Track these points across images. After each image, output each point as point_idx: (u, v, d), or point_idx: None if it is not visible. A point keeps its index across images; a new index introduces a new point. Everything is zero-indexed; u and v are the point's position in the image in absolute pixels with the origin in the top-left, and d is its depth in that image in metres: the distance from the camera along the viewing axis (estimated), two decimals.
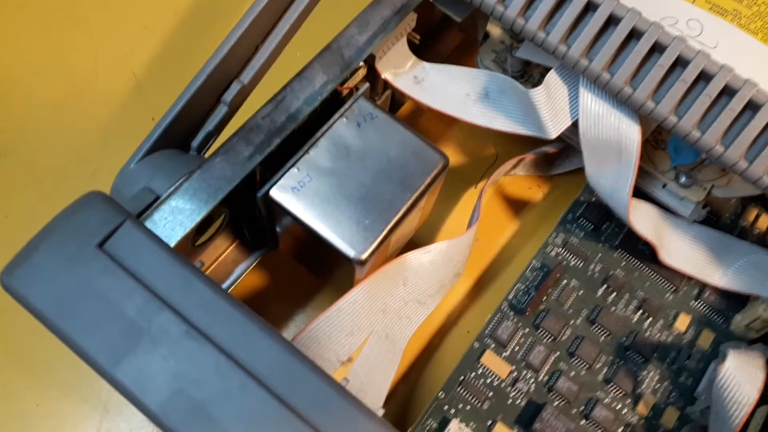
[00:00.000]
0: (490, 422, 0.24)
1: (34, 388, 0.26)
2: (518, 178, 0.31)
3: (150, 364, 0.17)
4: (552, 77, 0.23)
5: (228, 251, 0.26)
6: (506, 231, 0.29)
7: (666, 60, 0.21)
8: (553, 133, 0.23)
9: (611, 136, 0.23)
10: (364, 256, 0.21)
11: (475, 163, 0.31)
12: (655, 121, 0.22)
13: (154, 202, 0.21)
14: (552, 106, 0.23)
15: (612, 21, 0.22)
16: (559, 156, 0.30)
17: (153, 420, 0.16)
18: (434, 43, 0.29)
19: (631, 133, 0.23)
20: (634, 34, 0.22)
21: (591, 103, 0.23)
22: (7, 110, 0.32)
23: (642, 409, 0.24)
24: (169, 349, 0.17)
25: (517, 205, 0.30)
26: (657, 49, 0.21)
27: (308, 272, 0.28)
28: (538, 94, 0.23)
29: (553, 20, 0.22)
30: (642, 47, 0.21)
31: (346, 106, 0.23)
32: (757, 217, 0.28)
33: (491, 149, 0.31)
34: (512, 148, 0.31)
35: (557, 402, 0.24)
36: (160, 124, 0.23)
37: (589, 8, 0.22)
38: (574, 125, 0.24)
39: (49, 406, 0.26)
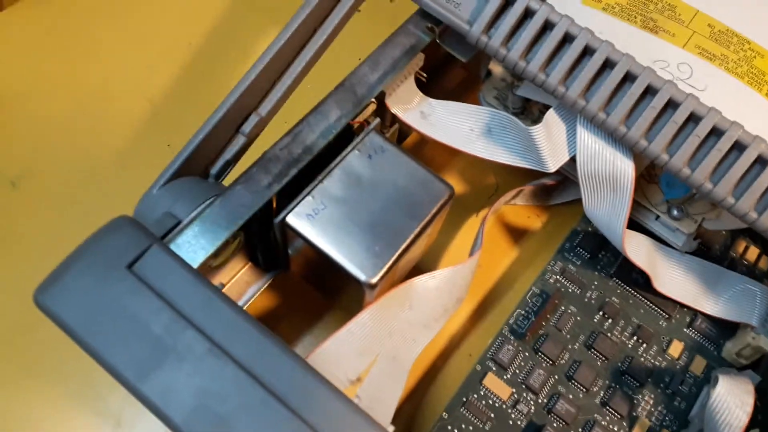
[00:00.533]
0: None
1: (47, 399, 0.27)
2: (518, 207, 0.32)
3: (175, 380, 0.18)
4: (551, 115, 0.25)
5: (241, 272, 0.27)
6: (506, 258, 0.31)
7: (658, 102, 0.23)
8: (552, 167, 0.25)
9: (607, 171, 0.24)
10: (374, 280, 0.22)
11: (476, 192, 0.32)
12: (648, 159, 0.23)
13: (175, 226, 0.22)
14: (551, 142, 0.25)
15: (607, 65, 0.23)
16: (557, 187, 0.31)
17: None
18: (439, 79, 0.31)
19: (626, 168, 0.24)
20: (628, 78, 0.23)
21: (588, 140, 0.24)
22: (22, 135, 0.33)
23: (638, 431, 0.25)
24: (193, 365, 0.18)
25: (517, 233, 0.31)
26: (649, 91, 0.23)
27: (317, 293, 0.29)
28: (537, 131, 0.24)
29: (552, 63, 0.24)
30: (635, 90, 0.23)
31: (358, 139, 0.24)
32: (745, 249, 0.29)
33: (492, 179, 0.33)
34: (512, 178, 0.32)
35: (556, 423, 0.25)
36: (181, 153, 0.24)
37: (586, 53, 0.24)
38: (572, 160, 0.25)
39: (60, 419, 0.27)
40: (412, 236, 0.23)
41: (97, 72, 0.35)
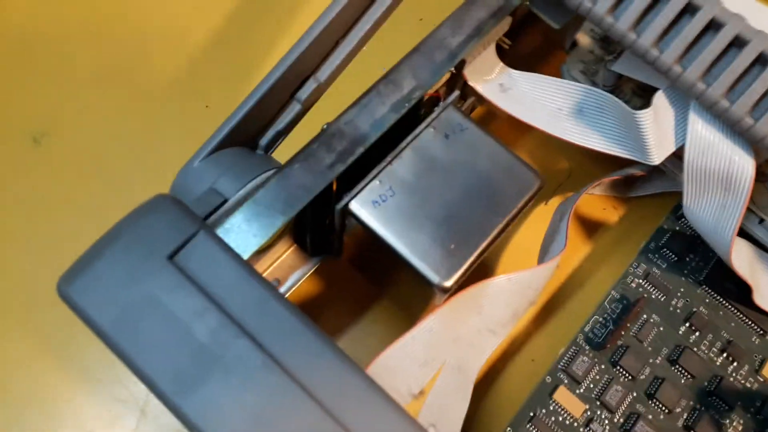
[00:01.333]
0: None
1: (66, 383, 0.25)
2: (592, 197, 0.29)
3: (222, 397, 0.15)
4: (660, 99, 0.21)
5: (285, 255, 0.24)
6: (577, 254, 0.28)
7: None
8: (657, 159, 0.21)
9: (721, 168, 0.21)
10: (449, 284, 0.19)
11: (546, 177, 0.29)
12: None
13: (221, 206, 0.19)
14: (658, 129, 0.21)
15: (736, 43, 0.20)
16: (640, 178, 0.28)
17: None
18: (515, 46, 0.27)
19: (745, 165, 0.21)
20: (760, 59, 0.20)
21: (702, 131, 0.21)
22: (48, 88, 0.30)
23: None
24: (243, 381, 0.15)
25: (589, 227, 0.28)
26: None
27: (365, 280, 0.26)
28: (645, 116, 0.21)
29: (667, 37, 0.20)
30: None
31: (433, 115, 0.21)
32: None
33: (564, 163, 0.29)
34: (587, 163, 0.29)
35: None
36: (229, 120, 0.21)
37: (710, 26, 0.20)
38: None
39: (81, 404, 0.25)
40: (494, 234, 0.20)
41: (133, 19, 0.32)
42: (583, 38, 0.26)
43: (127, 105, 0.30)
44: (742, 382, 0.24)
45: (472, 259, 0.19)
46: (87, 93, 0.30)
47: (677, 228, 0.26)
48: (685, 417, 0.23)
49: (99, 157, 0.29)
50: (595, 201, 0.29)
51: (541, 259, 0.24)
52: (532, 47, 0.28)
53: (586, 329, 0.24)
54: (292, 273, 0.25)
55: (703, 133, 0.21)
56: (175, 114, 0.30)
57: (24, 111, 0.30)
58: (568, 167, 0.29)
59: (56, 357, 0.25)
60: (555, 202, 0.28)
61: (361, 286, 0.26)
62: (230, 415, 0.15)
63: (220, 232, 0.18)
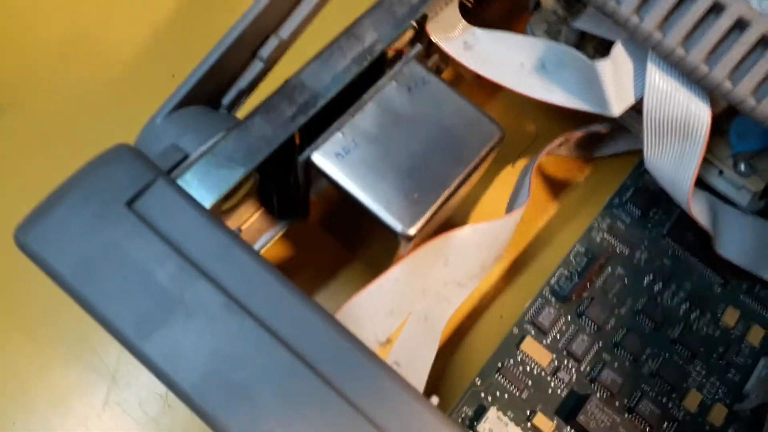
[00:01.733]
0: (529, 412, 0.22)
1: (38, 353, 0.25)
2: (557, 158, 0.29)
3: (184, 340, 0.15)
4: (618, 50, 0.21)
5: (253, 219, 0.24)
6: (544, 213, 0.28)
7: (749, 37, 0.19)
8: (617, 110, 0.22)
9: (678, 117, 0.21)
10: (412, 232, 0.19)
11: (512, 140, 0.29)
12: (731, 103, 0.20)
13: (182, 161, 0.19)
14: (617, 81, 0.22)
15: None
16: (604, 138, 0.28)
17: (186, 401, 0.15)
18: (480, 8, 0.27)
19: (701, 114, 0.21)
20: (715, 8, 0.20)
21: (659, 81, 0.21)
22: (12, 58, 0.30)
23: (689, 404, 0.23)
24: (205, 322, 0.15)
25: (556, 187, 0.28)
26: (740, 24, 0.20)
27: (337, 244, 0.26)
28: (604, 66, 0.21)
29: None
30: (723, 23, 0.20)
31: (395, 68, 0.21)
32: None
33: (530, 126, 0.29)
34: (552, 126, 0.29)
35: (600, 393, 0.23)
36: (190, 78, 0.21)
37: None
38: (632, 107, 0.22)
39: (52, 373, 0.24)
40: (456, 183, 0.20)
41: None
42: None
43: (91, 76, 0.30)
44: (705, 329, 0.24)
45: (435, 207, 0.19)
46: (50, 64, 0.30)
47: (640, 184, 0.26)
48: (649, 363, 0.24)
49: (64, 128, 0.29)
50: (561, 162, 0.29)
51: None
52: (496, 9, 0.28)
53: (552, 282, 0.24)
54: (259, 236, 0.25)
55: (660, 83, 0.21)
56: (140, 83, 0.30)
57: None
58: (534, 130, 0.29)
59: (26, 328, 0.25)
60: (521, 164, 0.29)
61: (331, 248, 0.27)
62: (193, 357, 0.15)
63: (180, 183, 0.18)
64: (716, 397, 0.23)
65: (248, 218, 0.25)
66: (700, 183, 0.25)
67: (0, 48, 0.30)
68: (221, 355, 0.15)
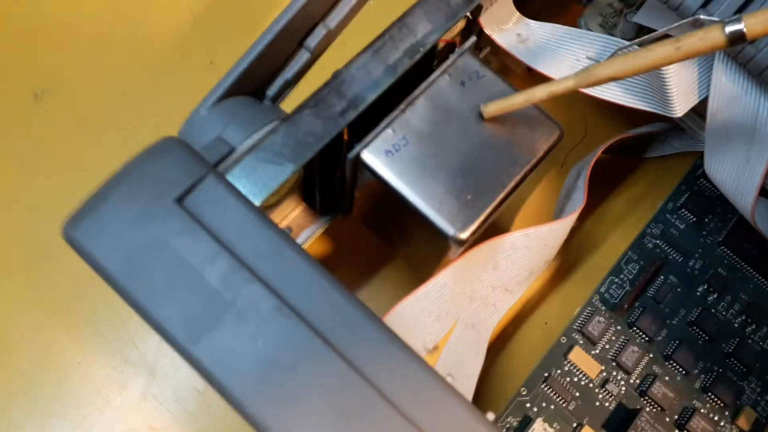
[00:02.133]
0: (575, 424, 0.22)
1: (76, 345, 0.24)
2: (608, 159, 0.28)
3: (235, 344, 0.14)
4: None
5: (294, 214, 0.24)
6: (592, 216, 0.27)
7: None
8: (680, 110, 0.21)
9: (745, 120, 0.20)
10: (464, 236, 0.18)
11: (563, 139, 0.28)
12: None
13: (228, 155, 0.19)
14: (681, 81, 0.20)
15: None
16: (657, 138, 0.27)
17: (236, 407, 0.14)
18: (533, 0, 0.26)
19: None
20: None
21: (726, 81, 0.20)
22: (49, 44, 0.29)
23: (742, 422, 0.22)
24: (257, 327, 0.15)
25: (605, 189, 0.27)
26: None
27: (379, 242, 0.25)
28: (669, 66, 0.20)
29: None
30: None
31: (449, 61, 0.20)
32: None
33: (580, 125, 0.28)
34: (603, 124, 0.28)
35: (650, 408, 0.22)
36: (235, 68, 0.20)
37: None
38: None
39: (90, 366, 0.24)
40: (512, 184, 0.19)
41: None
42: None
43: (129, 61, 0.29)
44: (761, 344, 0.23)
45: (488, 210, 0.19)
46: (89, 49, 0.29)
47: (695, 188, 0.25)
48: (702, 378, 0.23)
49: (101, 114, 0.28)
50: (612, 163, 0.28)
51: (557, 218, 0.24)
52: (549, 1, 0.27)
53: (602, 290, 0.24)
54: (301, 232, 0.24)
55: (727, 84, 0.20)
56: (178, 70, 0.29)
57: (24, 67, 0.29)
58: (584, 129, 0.28)
59: (65, 319, 0.25)
60: (570, 164, 0.28)
61: (373, 245, 0.26)
62: (244, 361, 0.14)
63: (229, 178, 0.17)
64: None
65: (290, 213, 0.24)
66: (762, 190, 0.24)
67: (37, 33, 0.29)
68: (273, 361, 0.14)
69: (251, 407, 0.14)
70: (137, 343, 0.24)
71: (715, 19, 0.19)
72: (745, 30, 0.15)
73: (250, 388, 0.14)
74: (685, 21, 0.19)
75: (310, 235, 0.24)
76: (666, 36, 0.22)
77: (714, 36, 0.15)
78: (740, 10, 0.19)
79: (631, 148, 0.27)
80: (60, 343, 0.24)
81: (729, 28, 0.15)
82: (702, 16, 0.19)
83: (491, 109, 0.19)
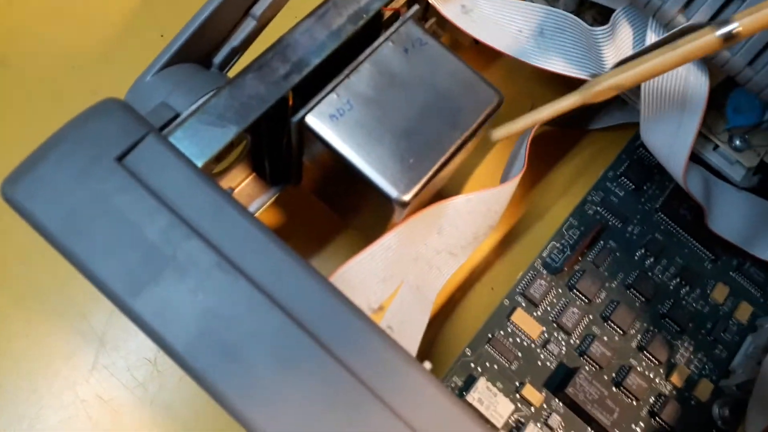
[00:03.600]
0: (518, 383, 0.22)
1: (24, 318, 0.24)
2: (553, 130, 0.29)
3: (175, 297, 0.15)
4: (619, 17, 0.21)
5: (244, 184, 0.24)
6: (537, 185, 0.28)
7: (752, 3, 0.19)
8: None
9: (676, 88, 0.21)
10: (407, 198, 0.19)
11: (509, 110, 0.28)
12: (729, 73, 0.20)
13: (173, 119, 0.19)
14: (616, 49, 0.21)
15: None
16: (600, 110, 0.28)
17: (176, 360, 0.15)
18: None
19: (699, 85, 0.21)
20: None
21: None
22: (0, 15, 0.29)
23: (675, 379, 0.23)
24: (197, 281, 0.15)
25: (549, 159, 0.28)
26: None
27: (329, 211, 0.26)
28: (603, 33, 0.21)
29: None
30: None
31: (392, 28, 0.20)
32: None
33: (527, 97, 0.29)
34: (549, 94, 0.28)
35: (589, 367, 0.23)
36: (180, 35, 0.21)
37: None
38: None
39: (40, 338, 0.24)
40: (453, 148, 0.19)
41: None
42: None
43: (79, 35, 0.29)
44: (694, 305, 0.25)
45: (430, 173, 0.19)
46: (39, 21, 0.29)
47: (635, 157, 0.26)
48: (638, 338, 0.24)
49: (50, 86, 0.28)
50: (554, 134, 0.29)
51: None
52: None
53: (544, 254, 0.24)
54: (251, 202, 0.25)
55: None
56: (129, 43, 0.29)
57: None
58: (531, 102, 0.29)
59: (13, 291, 0.25)
60: (516, 135, 0.28)
61: (323, 215, 0.26)
62: (184, 315, 0.15)
63: (172, 140, 0.18)
64: (703, 372, 0.24)
65: (239, 183, 0.24)
66: (695, 157, 0.25)
67: None
68: (213, 314, 0.15)
69: (192, 359, 0.14)
70: (87, 314, 0.24)
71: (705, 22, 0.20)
72: (740, 29, 0.16)
73: (191, 340, 0.14)
74: (679, 28, 0.20)
75: (261, 205, 0.25)
76: (607, 12, 0.23)
77: (709, 38, 0.16)
78: (716, 15, 0.20)
79: (576, 120, 0.28)
80: (8, 315, 0.24)
81: (722, 30, 0.16)
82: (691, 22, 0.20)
83: (500, 133, 0.19)
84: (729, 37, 0.16)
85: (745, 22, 0.16)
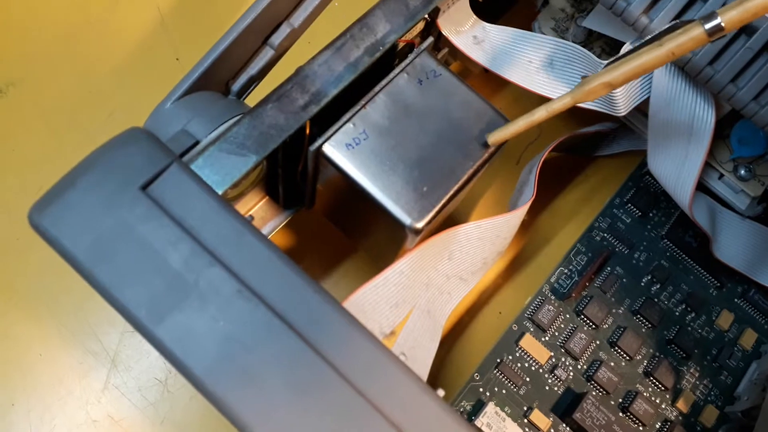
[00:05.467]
0: (526, 408, 0.23)
1: (38, 337, 0.25)
2: (559, 157, 0.29)
3: (197, 325, 0.15)
4: (627, 50, 0.22)
5: (257, 207, 0.25)
6: (545, 211, 0.28)
7: (755, 43, 0.20)
8: (623, 110, 0.22)
9: (683, 119, 0.22)
10: (420, 225, 0.19)
11: (516, 137, 0.29)
12: (735, 107, 0.21)
13: (193, 146, 0.19)
14: None
15: None
16: (607, 138, 0.28)
17: (196, 385, 0.15)
18: (490, 4, 0.27)
19: (706, 117, 0.21)
20: None
21: (666, 82, 0.21)
22: (17, 38, 0.29)
23: (681, 405, 0.23)
24: (218, 308, 0.15)
25: (557, 185, 0.29)
26: (747, 30, 0.20)
27: (340, 235, 0.26)
28: None
29: None
30: None
31: (407, 60, 0.21)
32: None
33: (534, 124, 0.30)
34: (557, 123, 0.29)
35: (596, 392, 0.23)
36: (200, 63, 0.21)
37: None
38: (636, 107, 0.22)
39: (53, 357, 0.24)
40: (465, 177, 0.20)
41: None
42: None
43: (95, 58, 0.30)
44: (700, 331, 0.25)
45: (443, 201, 0.20)
46: (57, 46, 0.29)
47: (641, 184, 0.27)
48: (645, 364, 0.24)
49: (69, 110, 0.28)
50: (565, 161, 0.29)
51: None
52: (505, 5, 0.28)
53: (552, 280, 0.25)
54: (264, 225, 0.25)
55: (667, 85, 0.21)
56: (145, 68, 0.30)
57: None
58: (539, 129, 0.29)
59: (28, 311, 0.25)
60: (525, 161, 0.29)
61: (335, 238, 0.27)
62: (205, 340, 0.15)
63: (193, 168, 0.18)
64: (708, 398, 0.24)
65: (253, 206, 0.25)
66: (700, 186, 0.25)
67: (4, 29, 0.29)
68: (233, 340, 0.15)
69: (211, 384, 0.15)
70: (99, 335, 0.25)
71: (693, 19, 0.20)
72: (723, 24, 0.16)
73: (211, 366, 0.15)
74: (666, 26, 0.20)
75: (274, 228, 0.25)
76: (615, 43, 0.24)
77: (696, 32, 0.16)
78: (679, 15, 0.21)
79: (583, 147, 0.28)
80: (22, 334, 0.24)
81: (708, 24, 0.16)
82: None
83: (496, 137, 0.20)
84: (715, 31, 0.16)
85: (727, 16, 0.16)
